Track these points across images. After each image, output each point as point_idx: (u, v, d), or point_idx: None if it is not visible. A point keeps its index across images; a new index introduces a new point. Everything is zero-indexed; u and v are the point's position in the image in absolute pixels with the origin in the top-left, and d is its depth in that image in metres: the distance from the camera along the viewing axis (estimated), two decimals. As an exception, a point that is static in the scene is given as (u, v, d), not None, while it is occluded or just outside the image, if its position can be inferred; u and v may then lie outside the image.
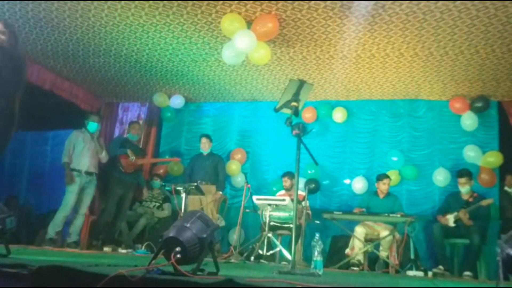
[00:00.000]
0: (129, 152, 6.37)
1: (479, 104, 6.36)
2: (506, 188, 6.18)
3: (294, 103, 3.62)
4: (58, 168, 8.03)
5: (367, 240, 5.60)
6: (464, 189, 5.78)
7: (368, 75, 6.18)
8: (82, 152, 5.97)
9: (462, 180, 5.79)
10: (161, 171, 7.44)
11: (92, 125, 6.10)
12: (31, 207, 7.93)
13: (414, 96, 6.80)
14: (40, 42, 5.83)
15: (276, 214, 5.55)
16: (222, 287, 1.61)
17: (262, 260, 5.33)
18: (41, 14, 5.13)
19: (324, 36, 5.15)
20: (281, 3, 4.54)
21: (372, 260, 5.69)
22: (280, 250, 5.37)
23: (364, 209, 5.83)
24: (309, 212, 6.05)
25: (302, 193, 5.68)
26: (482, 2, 4.23)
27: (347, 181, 7.01)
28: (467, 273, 5.28)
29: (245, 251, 5.59)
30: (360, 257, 5.52)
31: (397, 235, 5.52)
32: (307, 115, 7.09)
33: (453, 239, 5.70)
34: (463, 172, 5.86)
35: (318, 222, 6.07)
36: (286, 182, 6.28)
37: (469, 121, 6.42)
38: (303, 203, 5.58)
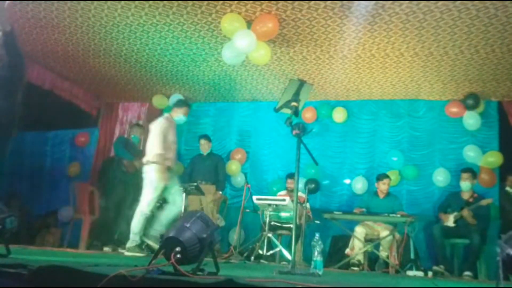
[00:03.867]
0: (135, 162, 6.34)
1: (470, 102, 6.36)
2: (507, 188, 6.18)
3: (294, 103, 3.62)
4: (58, 168, 8.05)
5: (367, 240, 5.60)
6: (465, 185, 5.77)
7: (368, 75, 6.17)
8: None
9: (465, 175, 5.79)
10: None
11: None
12: (31, 207, 7.93)
13: (414, 96, 6.80)
14: (40, 42, 5.82)
15: (276, 214, 5.54)
16: (222, 287, 1.61)
17: (262, 260, 5.32)
18: (41, 14, 5.13)
19: (324, 36, 5.15)
20: (281, 3, 4.54)
21: (372, 260, 5.69)
22: (280, 250, 5.37)
23: (364, 209, 5.83)
24: (310, 215, 6.05)
25: (302, 195, 5.67)
26: (482, 2, 4.23)
27: (347, 181, 7.00)
28: (467, 273, 5.28)
29: (245, 251, 5.59)
30: (360, 257, 5.52)
31: (397, 235, 5.52)
32: (307, 115, 7.08)
33: (453, 239, 5.71)
34: (468, 168, 5.91)
35: (318, 222, 6.07)
36: (291, 184, 6.20)
37: (471, 120, 6.41)
38: (304, 205, 5.57)
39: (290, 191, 6.22)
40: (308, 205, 5.82)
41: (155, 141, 5.00)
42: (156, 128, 5.08)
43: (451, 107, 6.56)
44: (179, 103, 5.44)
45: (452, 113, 6.56)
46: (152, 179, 4.96)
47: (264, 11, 4.75)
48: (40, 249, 5.17)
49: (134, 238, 4.94)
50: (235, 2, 4.60)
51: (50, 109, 7.16)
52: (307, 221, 5.71)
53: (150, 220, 5.11)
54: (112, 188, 6.32)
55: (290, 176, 6.27)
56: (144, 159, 5.07)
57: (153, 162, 4.95)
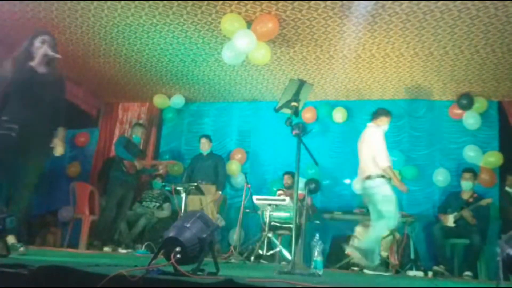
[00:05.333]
0: (136, 163, 6.33)
1: (464, 102, 6.38)
2: (506, 188, 6.18)
3: (294, 103, 3.62)
4: (58, 168, 8.04)
5: (367, 240, 5.59)
6: (467, 184, 5.79)
7: (368, 75, 6.18)
8: None
9: (467, 175, 5.83)
10: (162, 171, 7.44)
11: None
12: (31, 207, 7.92)
13: (414, 96, 6.80)
14: (40, 42, 5.82)
15: (276, 214, 5.55)
16: (222, 287, 1.61)
17: (262, 260, 5.32)
18: (41, 14, 5.12)
19: (324, 36, 5.15)
20: (281, 3, 4.54)
21: (372, 260, 5.68)
22: (280, 250, 5.37)
23: (364, 209, 5.83)
24: (314, 207, 6.08)
25: (301, 192, 5.67)
26: (482, 2, 4.23)
27: (347, 181, 7.00)
28: (467, 273, 5.28)
29: (245, 251, 5.59)
30: (360, 257, 5.51)
31: (397, 235, 5.52)
32: (307, 115, 7.08)
33: (453, 239, 5.71)
34: (470, 168, 5.96)
35: (318, 222, 6.07)
36: (289, 180, 6.33)
37: (471, 120, 6.42)
38: (304, 201, 5.58)
39: (287, 188, 6.25)
40: (308, 199, 5.84)
41: (381, 153, 4.63)
42: (377, 138, 4.72)
43: (454, 108, 6.59)
44: (386, 112, 5.10)
45: (456, 114, 6.59)
46: (386, 193, 4.58)
47: (264, 11, 4.75)
48: (40, 249, 5.17)
49: (374, 256, 4.56)
50: (235, 2, 4.60)
51: (50, 109, 7.15)
52: (313, 213, 5.74)
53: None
54: (112, 188, 6.31)
55: (287, 173, 6.38)
56: (368, 174, 4.65)
57: (381, 176, 4.60)
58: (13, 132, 3.31)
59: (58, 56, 3.54)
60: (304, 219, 5.45)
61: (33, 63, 3.43)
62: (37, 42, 3.47)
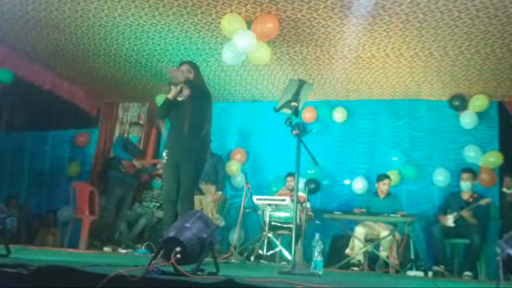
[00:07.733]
0: (135, 162, 6.33)
1: (456, 103, 6.38)
2: (504, 189, 6.18)
3: (294, 103, 3.62)
4: (58, 168, 8.05)
5: (367, 240, 5.60)
6: (466, 185, 5.80)
7: (368, 75, 6.18)
8: None
9: (466, 175, 5.83)
10: (161, 170, 7.42)
11: None
12: (31, 207, 7.93)
13: (414, 96, 6.80)
14: (40, 42, 5.83)
15: (276, 214, 5.54)
16: (222, 287, 1.61)
17: (262, 260, 5.32)
18: (41, 14, 5.12)
19: (324, 36, 5.15)
20: (281, 3, 4.54)
21: (372, 260, 5.69)
22: (280, 250, 5.37)
23: (364, 209, 5.83)
24: (311, 213, 6.06)
25: (302, 194, 5.67)
26: (482, 2, 4.23)
27: (347, 181, 7.00)
28: (467, 273, 5.28)
29: (245, 251, 5.59)
30: (360, 257, 5.52)
31: (397, 235, 5.52)
32: (307, 115, 7.08)
33: (453, 239, 5.71)
34: (468, 169, 5.96)
35: (318, 222, 6.07)
36: (292, 181, 6.29)
37: (467, 119, 6.43)
38: (304, 204, 5.58)
39: (291, 190, 6.24)
40: (308, 204, 5.83)
41: None
42: None
43: None
44: None
45: (456, 114, 6.60)
46: None
47: (264, 11, 4.75)
48: (40, 249, 5.18)
49: None
50: (235, 2, 4.60)
51: (50, 109, 7.16)
52: (308, 220, 5.72)
53: None
54: (112, 188, 6.31)
55: (290, 174, 6.33)
56: None
57: None
58: None
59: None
60: (304, 220, 5.46)
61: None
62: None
